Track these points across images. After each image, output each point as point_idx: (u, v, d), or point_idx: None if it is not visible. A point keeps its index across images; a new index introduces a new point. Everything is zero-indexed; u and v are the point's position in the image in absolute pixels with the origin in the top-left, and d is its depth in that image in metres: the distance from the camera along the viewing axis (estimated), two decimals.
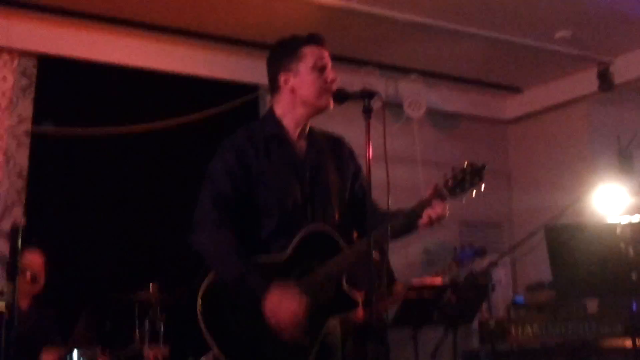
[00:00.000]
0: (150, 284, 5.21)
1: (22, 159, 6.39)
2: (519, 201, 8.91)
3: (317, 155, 3.23)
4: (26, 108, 6.50)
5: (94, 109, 6.73)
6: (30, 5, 6.38)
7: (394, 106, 7.86)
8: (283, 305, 2.88)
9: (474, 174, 3.06)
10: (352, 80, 7.07)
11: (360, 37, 7.19)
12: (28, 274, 5.04)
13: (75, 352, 4.86)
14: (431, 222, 3.05)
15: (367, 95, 2.93)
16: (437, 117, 8.62)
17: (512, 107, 9.12)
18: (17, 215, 6.06)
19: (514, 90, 8.88)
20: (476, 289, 5.33)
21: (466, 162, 3.09)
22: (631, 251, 4.38)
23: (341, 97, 3.12)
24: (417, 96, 8.06)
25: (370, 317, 2.79)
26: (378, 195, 2.90)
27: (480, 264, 5.97)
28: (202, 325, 2.92)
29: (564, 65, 8.03)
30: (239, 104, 7.22)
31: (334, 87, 3.15)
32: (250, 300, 2.93)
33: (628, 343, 4.87)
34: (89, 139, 6.55)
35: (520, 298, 7.81)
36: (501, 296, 8.08)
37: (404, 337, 5.44)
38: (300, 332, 2.91)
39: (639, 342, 4.58)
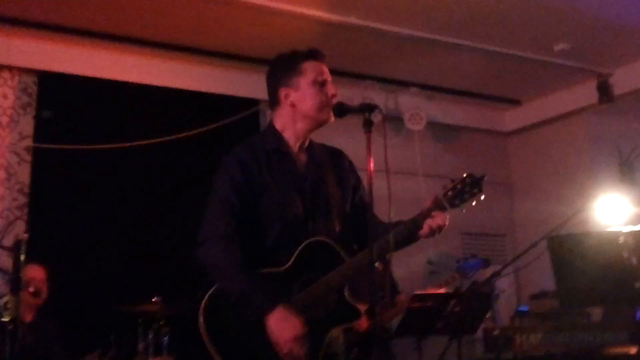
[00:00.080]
0: (154, 296, 5.21)
1: (24, 175, 6.43)
2: (521, 212, 8.92)
3: (317, 169, 3.24)
4: (27, 125, 6.54)
5: (95, 125, 6.76)
6: (31, 23, 6.42)
7: (395, 119, 7.89)
8: (284, 329, 2.89)
9: (473, 185, 3.08)
10: (352, 94, 7.10)
11: (360, 51, 7.22)
12: (31, 287, 5.07)
13: None
14: (432, 233, 3.07)
15: (367, 108, 2.93)
16: (438, 130, 8.64)
17: (512, 119, 9.15)
18: (20, 230, 6.08)
19: (514, 102, 8.91)
20: (480, 299, 5.31)
21: (465, 173, 3.11)
22: (634, 260, 4.37)
23: (341, 110, 3.12)
24: (417, 109, 8.08)
25: (374, 327, 2.78)
26: (379, 207, 2.91)
27: (484, 274, 5.97)
28: (206, 338, 2.93)
29: (563, 77, 8.05)
30: (239, 118, 7.24)
31: (334, 101, 3.16)
32: (253, 314, 2.95)
33: (633, 351, 4.86)
34: (90, 154, 6.57)
35: (524, 307, 7.80)
36: (505, 305, 8.07)
37: (408, 347, 5.42)
38: (300, 355, 2.92)
39: None
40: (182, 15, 6.44)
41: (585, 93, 8.08)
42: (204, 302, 2.98)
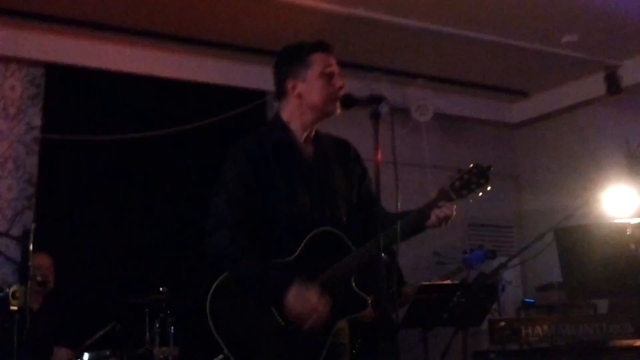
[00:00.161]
0: (160, 287, 5.22)
1: (32, 166, 6.46)
2: (528, 203, 8.92)
3: (324, 159, 3.25)
4: (35, 116, 6.56)
5: (102, 116, 6.77)
6: (38, 15, 6.42)
7: (402, 111, 7.88)
8: (305, 301, 2.91)
9: (480, 175, 3.08)
10: (359, 86, 7.09)
11: (367, 43, 7.21)
12: (38, 276, 5.11)
13: (86, 355, 4.89)
14: (439, 223, 3.07)
15: (374, 100, 2.93)
16: (445, 122, 8.64)
17: (519, 111, 9.13)
18: (28, 220, 6.12)
19: (521, 94, 8.89)
20: (486, 290, 5.32)
21: (472, 164, 3.11)
22: None
23: (349, 102, 3.13)
24: (425, 101, 8.08)
25: (380, 318, 2.79)
26: (386, 198, 2.91)
27: (490, 265, 5.98)
28: (212, 328, 2.94)
29: (571, 69, 8.03)
30: (246, 110, 7.25)
31: (341, 93, 3.17)
32: (264, 300, 2.96)
33: (639, 343, 4.86)
34: (98, 145, 6.59)
35: (530, 299, 7.81)
36: (511, 297, 8.08)
37: (413, 338, 5.44)
38: (318, 325, 2.93)
39: None
40: (190, 7, 6.44)
41: (593, 85, 8.06)
42: (211, 292, 2.99)
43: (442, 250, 7.05)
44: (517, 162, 9.26)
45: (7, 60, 6.59)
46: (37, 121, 6.56)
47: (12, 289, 3.55)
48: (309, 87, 3.17)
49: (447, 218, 3.07)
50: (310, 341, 2.97)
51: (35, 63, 6.66)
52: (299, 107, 3.20)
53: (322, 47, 3.23)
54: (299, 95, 3.18)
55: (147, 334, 5.22)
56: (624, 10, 6.72)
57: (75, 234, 6.36)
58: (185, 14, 6.55)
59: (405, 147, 7.79)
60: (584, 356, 4.60)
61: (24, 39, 6.55)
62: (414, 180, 7.34)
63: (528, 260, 6.70)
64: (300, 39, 3.29)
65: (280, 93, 3.25)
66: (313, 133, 3.27)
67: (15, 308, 3.60)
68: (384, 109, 2.93)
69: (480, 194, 3.10)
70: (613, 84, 7.84)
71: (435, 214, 3.06)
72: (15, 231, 5.95)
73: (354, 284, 3.07)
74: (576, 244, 4.65)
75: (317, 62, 3.17)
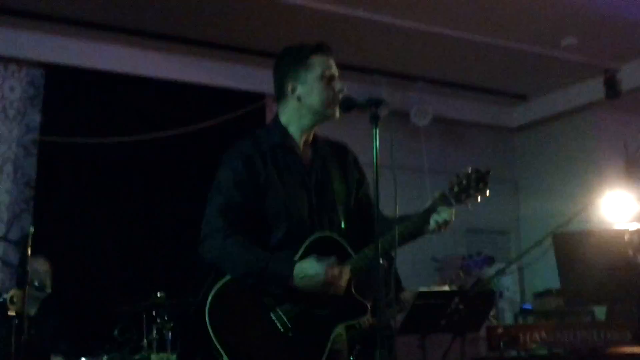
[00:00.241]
0: (158, 292, 5.21)
1: (30, 168, 6.44)
2: (527, 209, 8.92)
3: (322, 163, 3.23)
4: (34, 118, 6.55)
5: (101, 118, 6.77)
6: (38, 16, 6.42)
7: (401, 114, 7.88)
8: (313, 277, 2.92)
9: (479, 180, 3.06)
10: (358, 89, 7.09)
11: (367, 46, 7.21)
12: (35, 281, 5.10)
13: None
14: (438, 228, 3.06)
15: (373, 103, 2.91)
16: (444, 125, 8.64)
17: (518, 115, 9.13)
18: (25, 223, 6.11)
19: (521, 98, 8.89)
20: (484, 297, 5.32)
21: (470, 168, 3.09)
22: (639, 258, 4.37)
23: (348, 105, 3.11)
24: (424, 104, 8.07)
25: (378, 324, 2.78)
26: (384, 202, 2.90)
27: (488, 271, 5.97)
28: (212, 335, 2.92)
29: (570, 73, 8.03)
30: (245, 112, 7.24)
31: (341, 96, 3.15)
32: (269, 286, 2.95)
33: (637, 350, 4.85)
34: (97, 148, 6.58)
35: (528, 305, 7.79)
36: (509, 303, 8.08)
37: (412, 344, 5.43)
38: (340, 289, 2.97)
39: None
40: (189, 9, 6.44)
41: (592, 89, 8.06)
42: (210, 299, 2.96)
43: (440, 256, 7.05)
44: (515, 167, 9.26)
45: (7, 61, 6.60)
46: (36, 123, 6.55)
47: (9, 294, 3.54)
48: (308, 89, 3.14)
49: (446, 223, 3.05)
50: (309, 347, 2.96)
51: (34, 64, 6.65)
52: (298, 110, 3.17)
53: (322, 49, 3.20)
54: (299, 98, 3.16)
55: (145, 339, 5.20)
56: (623, 14, 6.73)
57: (73, 237, 6.36)
58: (185, 16, 6.55)
59: (404, 151, 7.79)
60: None
61: (24, 40, 6.56)
62: (412, 185, 7.34)
63: (526, 266, 6.72)
64: (300, 41, 3.28)
65: (280, 95, 3.23)
66: (311, 137, 3.26)
67: (12, 313, 3.59)
68: (383, 112, 2.91)
69: (479, 199, 3.08)
70: (612, 87, 7.85)
71: (434, 219, 3.04)
72: (13, 234, 5.95)
73: (353, 289, 3.06)
74: (574, 249, 4.64)
75: (317, 65, 3.15)
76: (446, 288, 5.43)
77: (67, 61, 6.72)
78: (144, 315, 5.25)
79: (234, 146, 3.17)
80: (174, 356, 5.02)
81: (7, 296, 3.61)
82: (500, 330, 5.24)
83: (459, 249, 7.84)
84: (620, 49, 7.49)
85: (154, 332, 5.19)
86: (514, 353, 5.14)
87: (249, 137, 3.20)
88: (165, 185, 6.86)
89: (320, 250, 3.03)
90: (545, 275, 7.13)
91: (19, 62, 6.62)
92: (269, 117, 7.10)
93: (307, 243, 3.03)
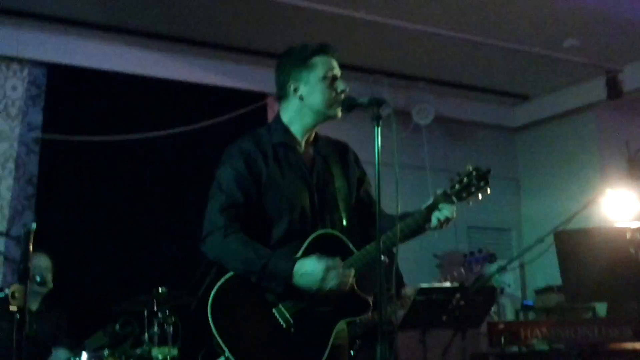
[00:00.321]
0: (160, 286, 5.22)
1: (32, 165, 6.46)
2: (528, 207, 8.94)
3: (323, 162, 3.25)
4: (36, 116, 6.56)
5: (103, 117, 6.78)
6: (40, 16, 6.44)
7: (403, 114, 7.89)
8: (312, 275, 2.94)
9: (480, 178, 3.09)
10: (360, 89, 7.11)
11: (369, 46, 7.22)
12: (37, 276, 5.11)
13: (84, 354, 4.89)
14: (440, 225, 3.08)
15: (375, 103, 2.93)
16: (446, 125, 8.64)
17: (520, 114, 9.14)
18: (27, 220, 6.13)
19: (523, 98, 8.89)
20: (485, 293, 5.33)
21: (471, 166, 3.11)
22: None
23: (350, 105, 3.13)
24: (425, 104, 8.08)
25: (379, 320, 2.79)
26: (385, 201, 2.92)
27: (490, 268, 5.98)
28: (214, 330, 2.93)
29: (572, 73, 8.03)
30: (246, 111, 7.25)
31: (343, 96, 3.17)
32: (271, 283, 2.96)
33: (637, 346, 4.87)
34: (98, 146, 6.60)
35: (529, 301, 7.80)
36: (510, 300, 8.09)
37: (413, 339, 5.44)
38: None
39: None
40: (191, 9, 6.45)
41: (594, 89, 8.07)
42: (212, 294, 2.98)
43: (441, 253, 7.06)
44: (517, 166, 9.26)
45: (9, 60, 6.60)
46: (38, 121, 6.56)
47: (11, 289, 3.56)
48: (310, 90, 3.16)
49: (447, 220, 3.07)
50: (311, 343, 2.98)
51: (37, 63, 6.67)
52: (300, 110, 3.19)
53: (325, 49, 3.22)
54: (301, 98, 3.18)
55: (146, 333, 5.21)
56: (625, 15, 6.73)
57: (74, 233, 6.38)
58: (187, 16, 6.57)
59: (406, 150, 7.80)
60: (582, 359, 4.62)
61: (26, 39, 6.57)
62: (414, 183, 7.36)
63: (528, 263, 6.73)
64: (302, 41, 3.29)
65: (282, 95, 3.24)
66: (313, 136, 3.28)
67: (14, 308, 3.60)
68: (385, 111, 2.93)
69: (480, 196, 3.10)
70: (614, 88, 7.85)
71: (436, 217, 3.07)
72: (15, 231, 5.97)
73: (355, 285, 3.07)
74: (576, 247, 4.65)
75: (320, 65, 3.16)
76: (447, 284, 5.44)
77: (69, 61, 6.74)
78: (145, 310, 5.27)
79: (235, 144, 3.19)
80: (175, 350, 5.03)
81: (8, 291, 3.62)
82: (501, 326, 5.26)
83: (460, 246, 7.87)
84: (622, 49, 7.49)
85: (155, 326, 5.20)
86: (514, 349, 5.17)
87: (250, 136, 3.22)
88: (166, 183, 6.87)
89: (322, 247, 3.05)
90: (547, 271, 7.15)
91: (22, 61, 6.63)
92: (270, 117, 7.09)
93: (309, 240, 3.06)
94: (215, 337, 2.93)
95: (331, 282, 2.95)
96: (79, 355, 4.89)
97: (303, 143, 3.23)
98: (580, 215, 4.86)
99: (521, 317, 7.78)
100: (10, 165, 6.42)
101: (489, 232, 8.74)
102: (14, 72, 6.62)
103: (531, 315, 7.68)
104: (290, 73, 3.19)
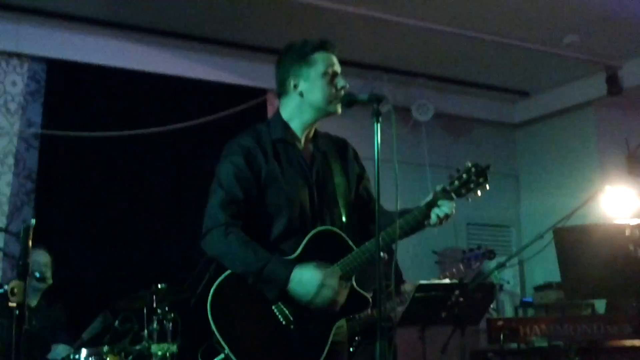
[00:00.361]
0: (159, 283, 5.22)
1: (32, 161, 6.46)
2: (528, 203, 8.94)
3: (323, 159, 3.25)
4: (35, 112, 6.56)
5: (103, 113, 6.78)
6: (40, 11, 6.44)
7: (402, 110, 7.89)
8: (306, 286, 2.94)
9: (479, 174, 3.09)
10: (360, 85, 7.11)
11: (369, 42, 7.21)
12: (36, 272, 5.11)
13: (83, 351, 4.90)
14: (439, 221, 3.08)
15: (375, 99, 2.94)
16: (445, 121, 8.64)
17: (520, 111, 9.13)
18: (27, 215, 6.13)
19: (523, 94, 8.89)
20: (484, 289, 5.33)
21: (470, 163, 3.11)
22: None
23: (350, 101, 3.13)
24: (425, 100, 8.08)
25: (378, 316, 2.79)
26: (385, 197, 2.92)
27: (489, 265, 5.98)
28: (214, 327, 2.93)
29: (572, 69, 8.03)
30: (246, 107, 7.25)
31: (343, 93, 3.17)
32: (267, 287, 2.96)
33: (636, 343, 4.88)
34: (98, 142, 6.60)
35: (528, 298, 7.81)
36: (509, 296, 8.10)
37: (412, 336, 5.45)
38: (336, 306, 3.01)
39: None
40: (191, 5, 6.45)
41: (594, 85, 8.06)
42: (212, 291, 2.98)
43: (440, 249, 7.06)
44: (517, 162, 9.26)
45: (9, 55, 6.60)
46: (38, 117, 6.56)
47: (10, 285, 3.56)
48: (310, 86, 3.16)
49: (447, 217, 3.08)
50: (311, 340, 2.98)
51: (36, 59, 6.66)
52: (300, 106, 3.19)
53: (325, 46, 3.22)
54: (301, 94, 3.18)
55: (146, 330, 5.21)
56: (625, 11, 6.73)
57: (74, 230, 6.38)
58: (187, 12, 6.57)
59: (406, 146, 7.80)
60: (581, 356, 4.62)
61: (26, 35, 6.56)
62: (413, 179, 7.36)
63: (527, 260, 6.73)
64: (302, 38, 3.29)
65: (282, 91, 3.25)
66: (312, 132, 3.28)
67: (13, 304, 3.60)
68: (384, 108, 2.93)
69: (479, 193, 3.10)
70: (614, 84, 7.85)
71: (435, 213, 3.07)
72: (15, 226, 5.98)
73: (354, 282, 3.08)
74: (575, 244, 4.65)
75: (320, 62, 3.17)
76: (447, 281, 5.44)
77: (69, 56, 6.73)
78: (145, 306, 5.27)
79: (234, 140, 3.19)
80: (175, 347, 5.03)
81: (8, 287, 3.62)
82: (500, 323, 5.27)
83: (459, 243, 7.87)
84: (622, 46, 7.49)
85: (155, 322, 5.20)
86: (514, 345, 5.18)
87: (250, 132, 3.22)
88: (166, 178, 6.87)
89: (321, 244, 3.06)
90: (546, 268, 7.16)
91: (21, 56, 6.62)
92: (270, 113, 7.10)
93: (308, 237, 3.06)
94: (215, 335, 2.93)
95: (323, 299, 2.96)
96: (79, 352, 4.89)
97: (303, 139, 3.23)
98: (579, 212, 4.86)
99: (520, 313, 7.79)
100: (10, 160, 6.42)
101: (488, 228, 8.74)
102: (14, 67, 6.61)
103: (530, 312, 7.70)
104: (290, 69, 3.19)
